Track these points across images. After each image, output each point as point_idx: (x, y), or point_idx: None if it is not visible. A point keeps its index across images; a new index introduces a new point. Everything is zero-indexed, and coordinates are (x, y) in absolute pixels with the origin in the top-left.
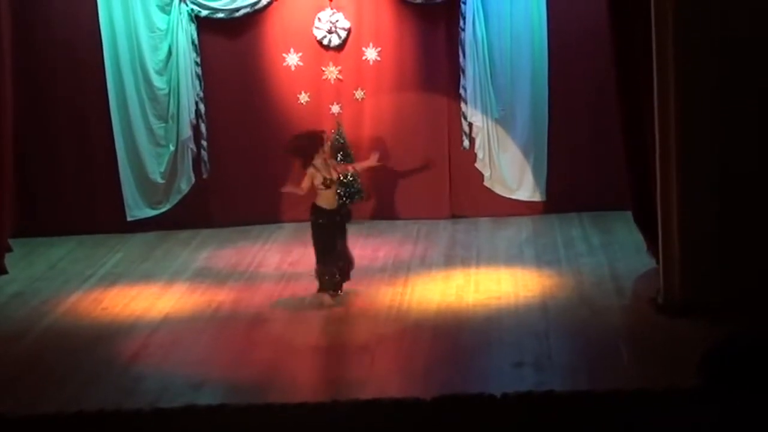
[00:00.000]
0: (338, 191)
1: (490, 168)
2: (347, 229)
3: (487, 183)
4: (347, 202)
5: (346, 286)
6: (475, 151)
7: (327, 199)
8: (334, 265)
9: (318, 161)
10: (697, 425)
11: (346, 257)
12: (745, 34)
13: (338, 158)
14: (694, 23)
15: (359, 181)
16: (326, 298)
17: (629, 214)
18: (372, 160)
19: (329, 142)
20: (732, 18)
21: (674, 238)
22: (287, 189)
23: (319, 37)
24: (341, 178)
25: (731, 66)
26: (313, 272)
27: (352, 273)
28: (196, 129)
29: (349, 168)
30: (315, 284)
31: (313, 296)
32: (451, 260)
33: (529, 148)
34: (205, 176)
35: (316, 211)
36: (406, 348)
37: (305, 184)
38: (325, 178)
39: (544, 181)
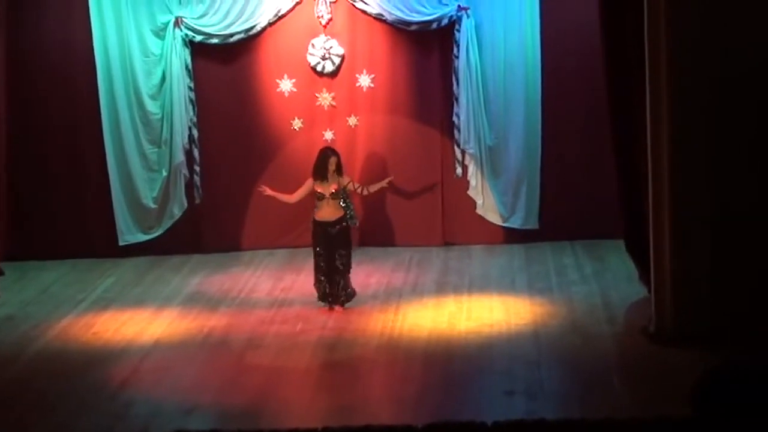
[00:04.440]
0: (343, 205)
1: (483, 195)
2: (345, 249)
3: (479, 210)
4: (348, 221)
5: (339, 313)
6: (468, 178)
7: (320, 211)
8: (322, 275)
9: (328, 174)
10: None
11: (338, 273)
12: (740, 63)
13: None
14: (688, 51)
15: (352, 207)
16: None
17: (622, 242)
18: (384, 182)
19: (335, 158)
20: (727, 44)
21: (666, 267)
22: (272, 193)
23: (312, 64)
24: (334, 192)
25: (725, 97)
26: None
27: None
28: (189, 154)
29: (354, 185)
30: (306, 311)
31: (305, 320)
32: (443, 287)
33: (521, 176)
34: (197, 201)
35: (312, 222)
36: (397, 375)
37: (299, 192)
38: (316, 191)
39: (536, 209)
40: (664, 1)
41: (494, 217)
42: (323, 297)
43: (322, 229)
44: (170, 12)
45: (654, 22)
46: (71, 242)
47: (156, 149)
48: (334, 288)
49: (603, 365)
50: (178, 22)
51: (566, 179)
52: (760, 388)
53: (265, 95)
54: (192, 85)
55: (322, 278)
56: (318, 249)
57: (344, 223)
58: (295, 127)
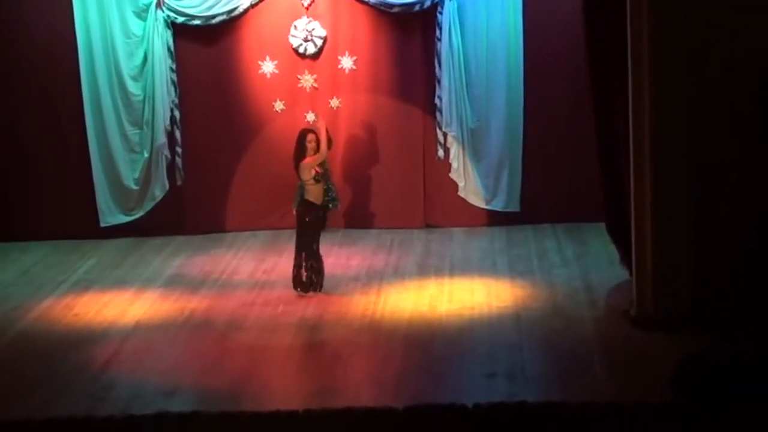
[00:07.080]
0: (325, 188)
1: (465, 178)
2: (298, 228)
3: (461, 193)
4: (328, 207)
5: (319, 295)
6: (450, 161)
7: (316, 194)
8: (305, 263)
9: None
10: None
11: (319, 259)
12: (722, 50)
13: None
14: (670, 37)
15: (334, 189)
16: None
17: (603, 226)
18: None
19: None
20: (707, 34)
21: (647, 251)
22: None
23: (295, 45)
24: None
25: (706, 82)
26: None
27: (324, 281)
28: (170, 135)
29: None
30: (288, 293)
31: (287, 302)
32: (425, 270)
33: (503, 158)
34: (179, 183)
35: (308, 207)
36: (378, 357)
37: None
38: (316, 172)
39: (518, 191)
40: None
41: (476, 200)
42: (302, 284)
43: (314, 215)
44: None
45: (636, 7)
46: (52, 223)
47: (138, 130)
48: (318, 276)
49: (584, 348)
50: (159, 3)
51: (548, 162)
52: (738, 373)
53: (247, 77)
54: (174, 66)
55: (308, 262)
56: (310, 234)
57: (322, 211)
58: (277, 109)
